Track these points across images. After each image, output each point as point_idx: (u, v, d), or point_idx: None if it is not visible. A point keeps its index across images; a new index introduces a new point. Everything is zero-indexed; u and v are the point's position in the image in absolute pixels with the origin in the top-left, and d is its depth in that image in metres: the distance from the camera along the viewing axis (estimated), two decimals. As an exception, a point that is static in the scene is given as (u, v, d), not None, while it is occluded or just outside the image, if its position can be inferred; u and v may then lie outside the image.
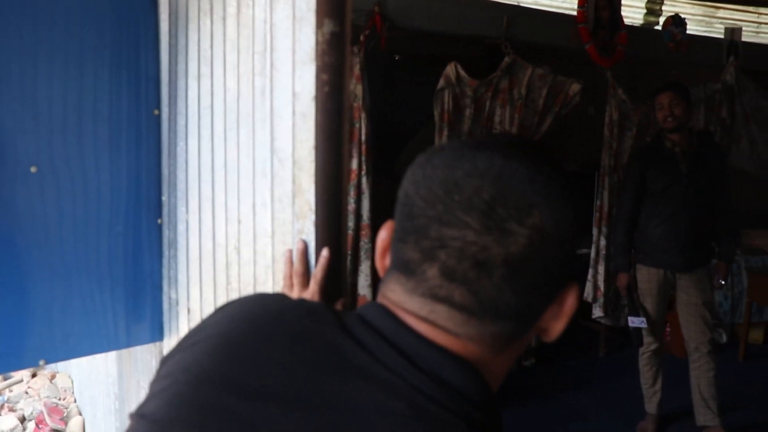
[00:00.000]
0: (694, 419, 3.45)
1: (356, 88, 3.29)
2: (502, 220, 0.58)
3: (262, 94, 1.13)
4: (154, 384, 0.66)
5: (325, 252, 1.03)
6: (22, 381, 2.71)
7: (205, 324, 0.69)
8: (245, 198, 1.19)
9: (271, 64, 1.09)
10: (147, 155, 1.68)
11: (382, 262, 0.68)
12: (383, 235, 0.69)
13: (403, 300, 0.63)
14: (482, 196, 0.59)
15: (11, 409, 2.51)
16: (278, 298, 0.70)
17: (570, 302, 0.66)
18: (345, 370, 0.59)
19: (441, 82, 3.58)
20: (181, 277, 1.51)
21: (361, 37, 3.24)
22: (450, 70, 3.58)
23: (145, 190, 1.68)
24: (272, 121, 1.09)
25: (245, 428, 0.57)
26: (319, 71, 0.98)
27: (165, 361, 0.68)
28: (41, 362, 1.55)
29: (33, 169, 1.52)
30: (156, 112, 1.69)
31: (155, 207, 1.69)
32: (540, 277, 0.61)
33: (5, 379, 2.34)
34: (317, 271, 1.03)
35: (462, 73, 3.60)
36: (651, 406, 3.54)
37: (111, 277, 1.68)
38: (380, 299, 0.66)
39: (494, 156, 0.60)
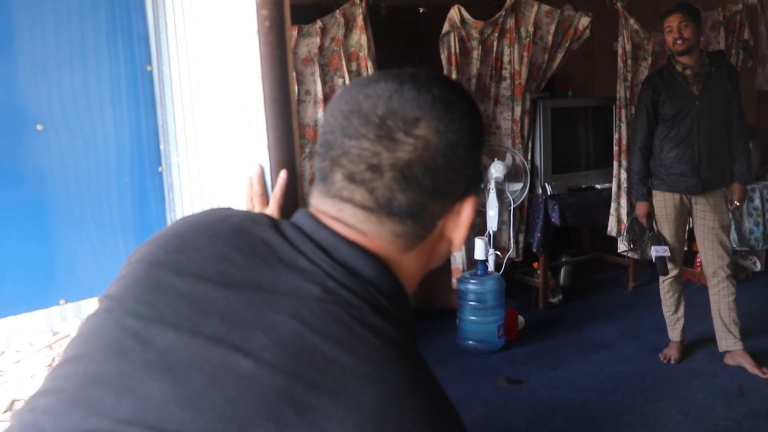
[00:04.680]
0: (717, 345, 3.49)
1: (360, 39, 3.35)
2: (392, 130, 0.70)
3: (221, 35, 1.23)
4: (119, 273, 0.79)
5: (283, 174, 1.13)
6: (69, 336, 2.94)
7: (165, 228, 0.82)
8: (216, 133, 1.30)
9: (225, 5, 1.18)
10: (145, 109, 1.81)
11: None
12: None
13: (319, 203, 0.75)
14: (377, 112, 0.71)
15: (60, 362, 2.74)
16: (226, 209, 0.83)
17: (467, 212, 0.76)
18: (272, 260, 0.71)
19: (446, 26, 3.60)
20: (180, 216, 1.64)
21: (362, -13, 3.28)
22: (454, 13, 3.60)
23: (146, 142, 1.81)
24: (229, 57, 1.19)
25: (186, 301, 0.69)
26: (259, 7, 1.07)
27: (130, 256, 0.80)
28: (61, 301, 1.72)
29: (39, 127, 1.67)
30: (149, 68, 1.81)
31: (155, 156, 1.82)
32: (426, 180, 0.71)
33: (54, 334, 2.56)
34: (276, 191, 1.13)
35: (466, 15, 3.62)
36: (674, 333, 3.58)
37: (122, 225, 1.83)
38: (308, 207, 0.77)
39: (392, 82, 0.73)
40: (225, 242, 0.73)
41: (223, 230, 0.75)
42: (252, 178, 1.16)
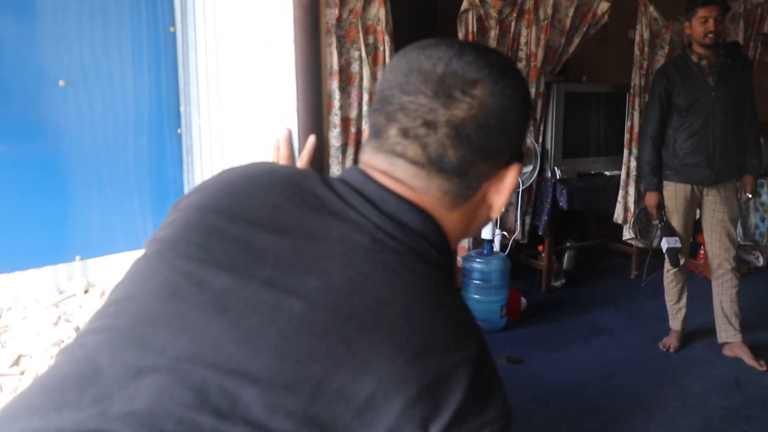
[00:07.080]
0: (716, 336, 3.51)
1: (379, 12, 3.33)
2: (450, 88, 0.72)
3: (251, -2, 1.22)
4: (165, 220, 0.80)
5: (311, 138, 1.14)
6: (75, 296, 2.94)
7: (210, 178, 0.83)
8: (242, 95, 1.31)
9: (257, -32, 1.18)
10: (166, 70, 1.80)
11: None
12: None
13: (370, 158, 0.76)
14: (437, 71, 0.72)
15: (67, 320, 2.75)
16: (271, 162, 0.87)
17: (510, 178, 0.78)
18: (322, 211, 0.73)
19: (464, 4, 3.57)
20: (198, 180, 1.64)
21: (382, -41, 3.25)
22: (474, -10, 3.57)
23: (166, 103, 1.81)
24: (260, 22, 1.19)
25: (239, 245, 0.70)
26: (294, -30, 1.07)
27: (176, 205, 0.81)
28: (77, 257, 1.74)
29: (61, 83, 1.66)
30: (172, 29, 1.80)
31: (175, 118, 1.82)
32: (477, 139, 0.73)
33: (60, 293, 2.57)
34: (303, 155, 1.14)
35: (486, -7, 3.59)
36: (675, 322, 3.59)
37: (138, 186, 1.83)
38: (358, 164, 0.79)
39: (452, 45, 0.75)
40: (276, 192, 0.75)
41: (273, 181, 0.76)
42: (279, 141, 1.16)
